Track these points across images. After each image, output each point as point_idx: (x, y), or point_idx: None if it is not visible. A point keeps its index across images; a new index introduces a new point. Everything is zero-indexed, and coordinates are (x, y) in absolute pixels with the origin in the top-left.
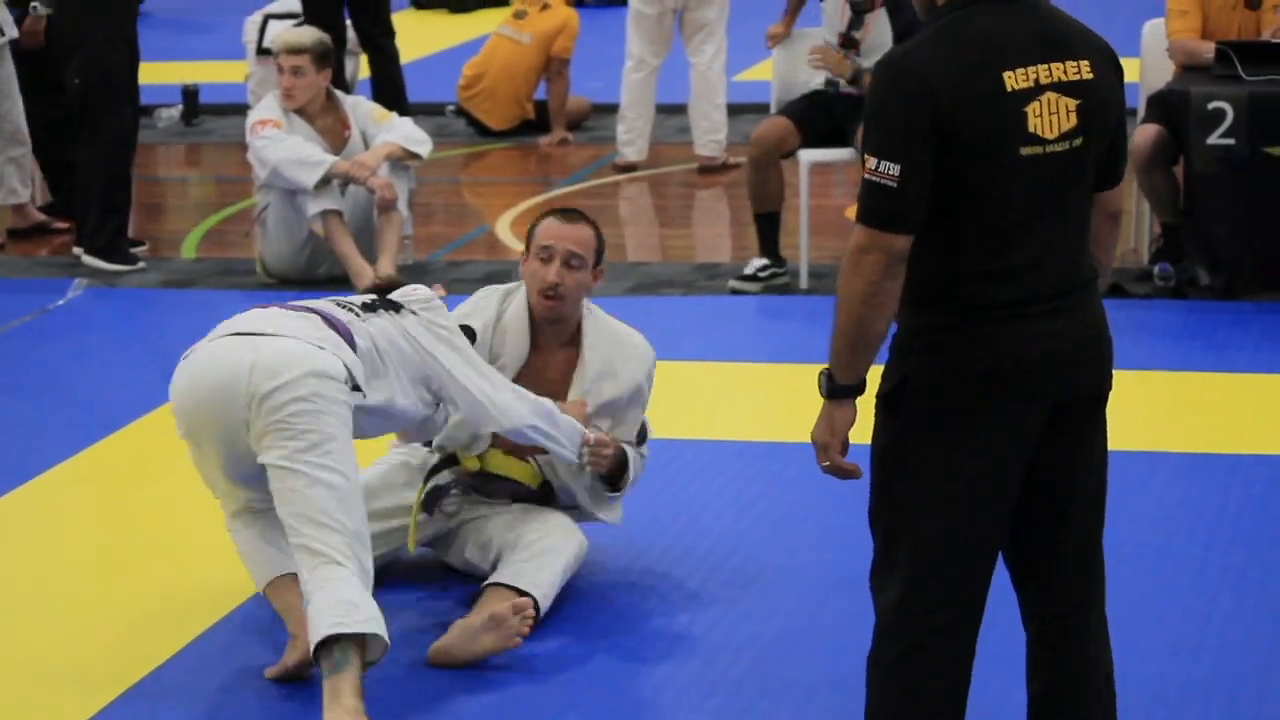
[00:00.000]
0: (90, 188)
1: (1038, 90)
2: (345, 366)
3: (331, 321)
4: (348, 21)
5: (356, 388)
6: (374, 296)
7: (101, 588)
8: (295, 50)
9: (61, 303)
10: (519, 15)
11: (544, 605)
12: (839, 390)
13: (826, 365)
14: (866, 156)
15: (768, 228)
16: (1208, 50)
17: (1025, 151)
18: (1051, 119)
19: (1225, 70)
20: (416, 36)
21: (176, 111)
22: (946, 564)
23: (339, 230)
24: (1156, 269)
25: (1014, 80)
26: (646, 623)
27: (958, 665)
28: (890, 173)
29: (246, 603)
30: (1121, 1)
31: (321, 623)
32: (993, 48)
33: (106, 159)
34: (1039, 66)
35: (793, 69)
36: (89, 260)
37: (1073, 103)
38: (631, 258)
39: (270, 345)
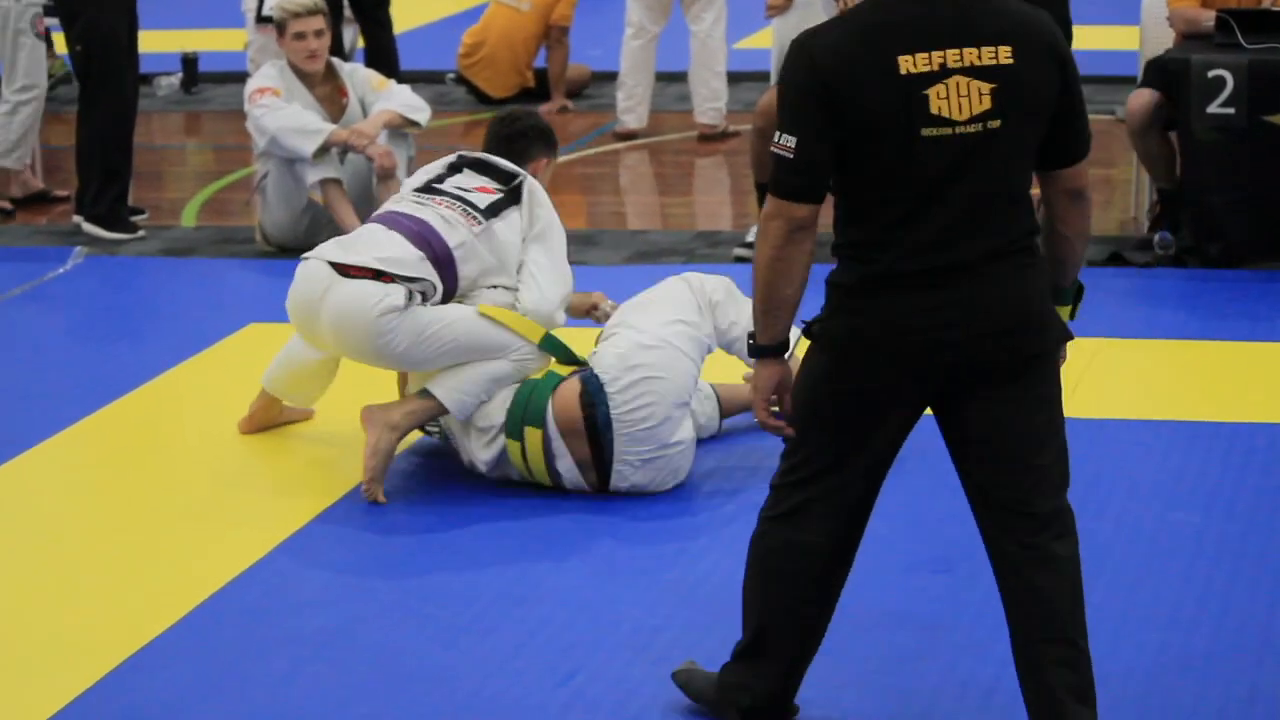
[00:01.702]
0: (90, 156)
1: (943, 74)
2: (406, 294)
3: (428, 239)
4: None
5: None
6: (502, 191)
7: (100, 557)
8: (314, 11)
9: (61, 271)
10: None
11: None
12: (756, 350)
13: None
14: (776, 130)
15: None
16: (1208, 18)
17: (928, 132)
18: (961, 101)
19: (1226, 38)
20: (416, 4)
21: (176, 79)
22: (812, 468)
23: (338, 198)
24: (1157, 237)
25: (911, 64)
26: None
27: (836, 543)
28: (788, 145)
29: (245, 573)
30: None
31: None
32: (892, 32)
33: (107, 127)
34: (946, 51)
35: (793, 36)
36: (89, 228)
37: (986, 86)
38: (632, 226)
39: (338, 293)
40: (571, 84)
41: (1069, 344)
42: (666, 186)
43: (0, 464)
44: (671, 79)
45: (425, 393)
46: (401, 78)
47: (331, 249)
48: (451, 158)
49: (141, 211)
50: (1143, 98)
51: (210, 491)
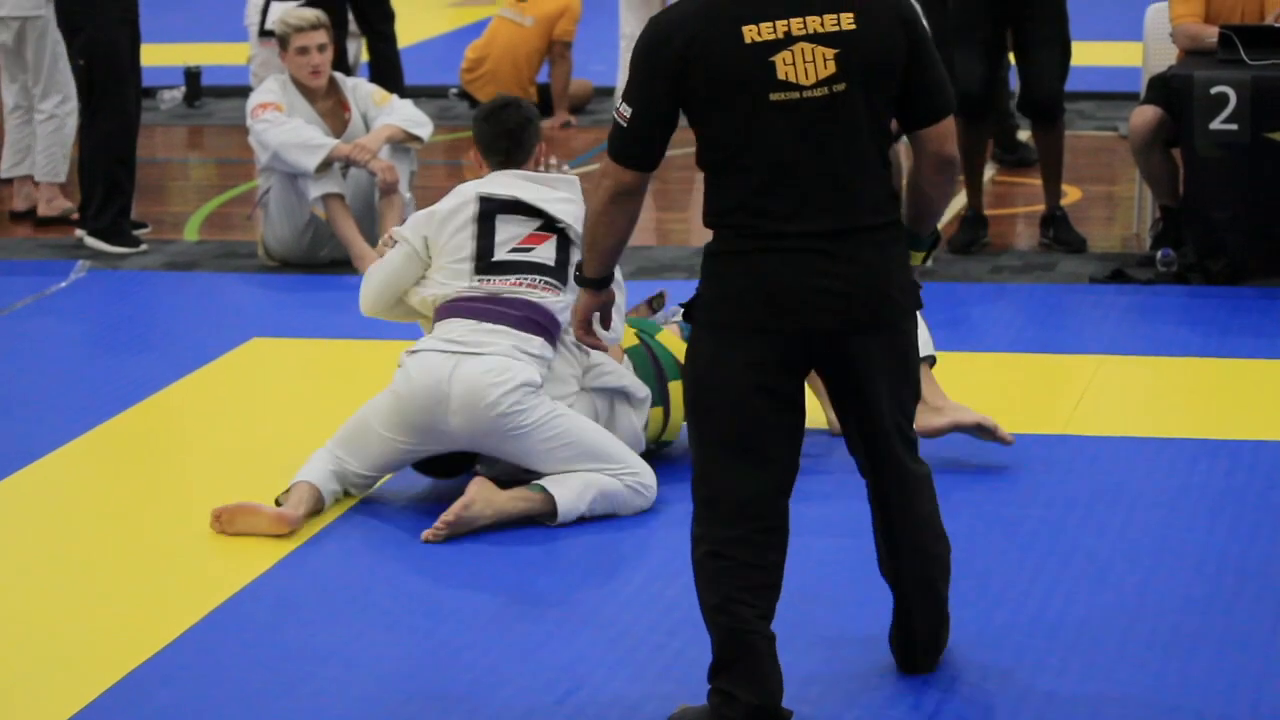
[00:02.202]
0: (93, 170)
1: (788, 41)
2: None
3: (537, 321)
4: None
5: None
6: (551, 230)
7: (101, 572)
8: (317, 25)
9: (64, 285)
10: None
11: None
12: (579, 280)
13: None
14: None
15: None
16: (1211, 34)
17: (775, 97)
18: (807, 66)
19: (1229, 55)
20: (419, 19)
21: (179, 93)
22: (717, 461)
23: (341, 213)
24: (1159, 254)
25: (754, 33)
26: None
27: (744, 544)
28: (624, 113)
29: (246, 588)
30: None
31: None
32: (736, 4)
33: (109, 141)
34: (790, 20)
35: None
36: (91, 242)
37: (830, 52)
38: (632, 241)
39: (471, 367)
40: (574, 99)
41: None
42: (665, 202)
43: (4, 477)
44: None
45: (539, 488)
46: (405, 92)
47: (443, 343)
48: (474, 206)
49: (144, 225)
50: (1146, 115)
51: (212, 507)
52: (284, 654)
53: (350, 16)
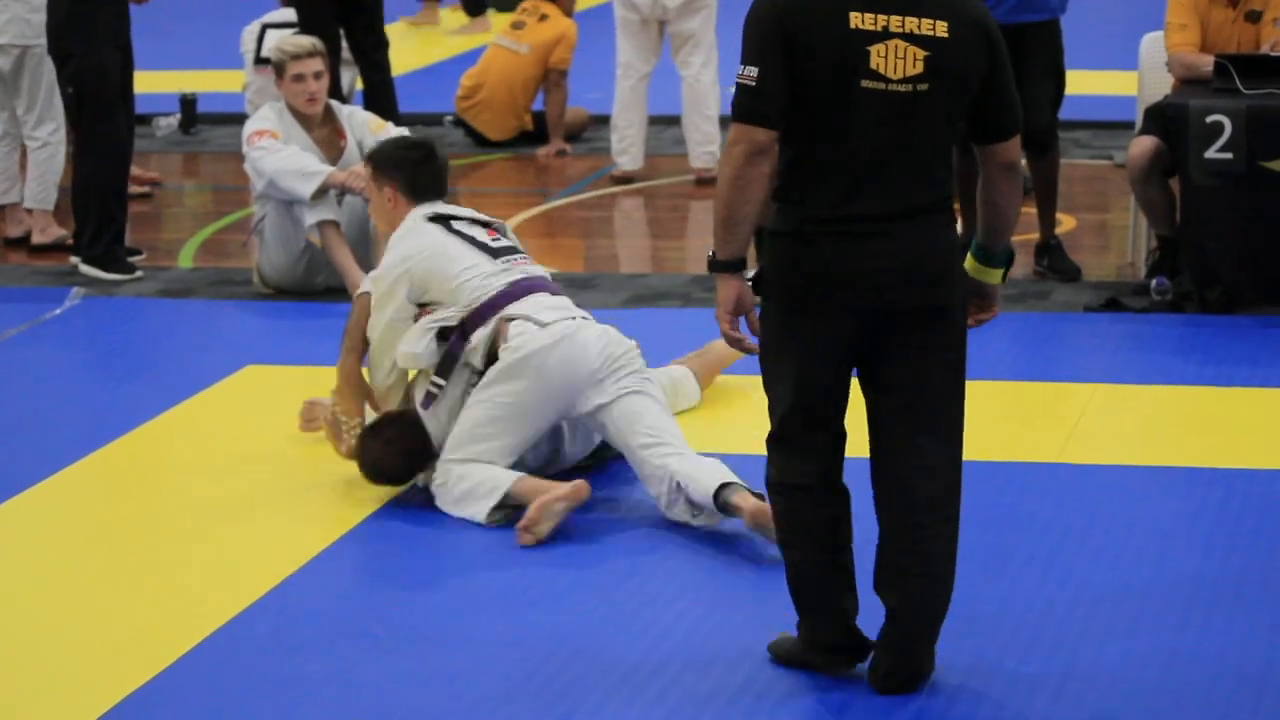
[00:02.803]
0: (86, 197)
1: (885, 35)
2: None
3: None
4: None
5: None
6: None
7: (98, 597)
8: (312, 53)
9: (58, 312)
10: (517, 26)
11: None
12: (717, 265)
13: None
14: (739, 66)
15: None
16: (1206, 63)
17: (865, 84)
18: (897, 62)
19: (1224, 84)
20: (414, 47)
21: (174, 120)
22: (792, 417)
23: (336, 240)
24: (1154, 283)
25: (859, 20)
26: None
27: (819, 507)
28: (750, 74)
29: (241, 614)
30: (1120, 14)
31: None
32: None
33: (102, 168)
34: (890, 15)
35: None
36: (86, 269)
37: (921, 53)
38: (627, 269)
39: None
40: (570, 127)
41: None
42: (661, 230)
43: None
44: (668, 123)
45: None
46: (400, 120)
47: (540, 317)
48: (434, 225)
49: (139, 252)
50: (1143, 145)
51: (206, 534)
52: (280, 680)
53: (345, 45)
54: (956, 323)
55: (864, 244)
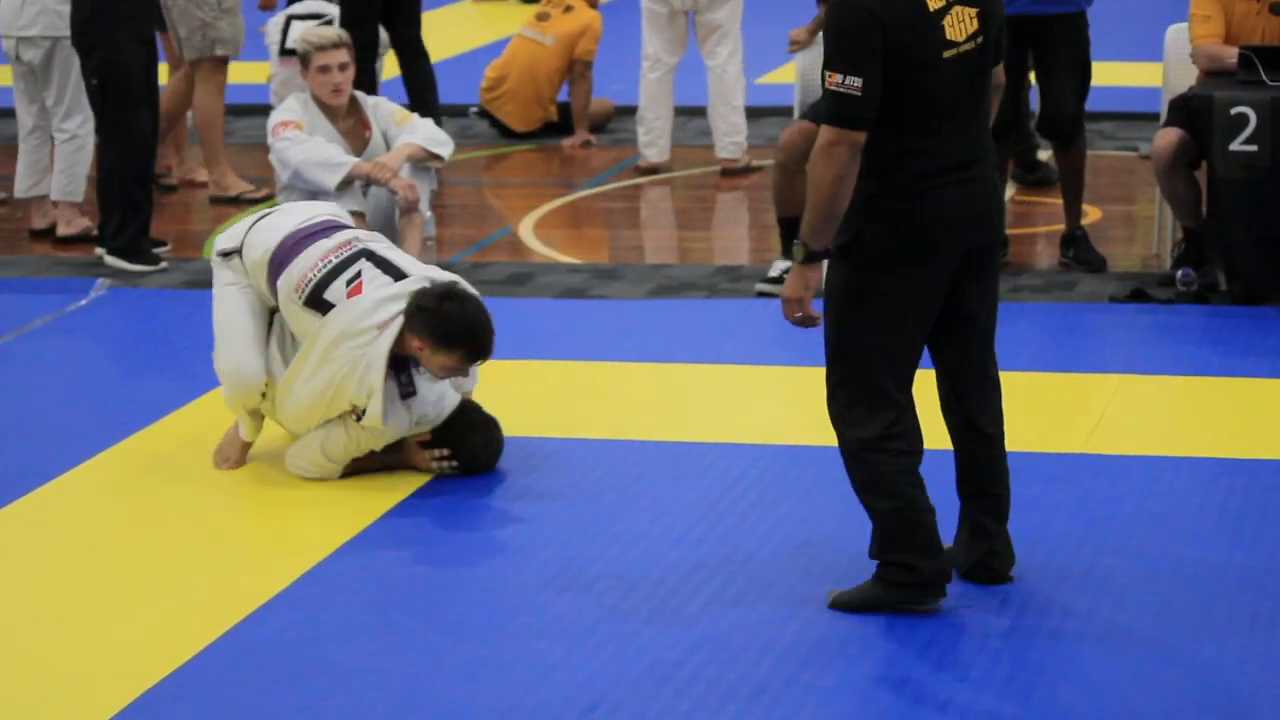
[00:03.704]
0: (110, 190)
1: (948, 7)
2: None
3: None
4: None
5: None
6: None
7: (121, 590)
8: (338, 44)
9: (83, 303)
10: (541, 17)
11: None
12: (814, 255)
13: (799, 238)
14: (829, 73)
15: (793, 231)
16: (1231, 55)
17: (946, 55)
18: (960, 26)
19: (1249, 75)
20: (440, 38)
21: None
22: (885, 374)
23: None
24: (1179, 274)
25: (933, 2)
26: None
27: (907, 440)
28: (854, 85)
29: (265, 605)
30: (1144, 6)
31: None
32: None
33: (126, 160)
34: None
35: (816, 72)
36: (111, 261)
37: (973, 11)
38: (650, 260)
39: None
40: (594, 118)
41: None
42: (686, 221)
43: (23, 495)
44: (693, 114)
45: None
46: (440, 111)
47: None
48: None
49: (164, 243)
50: (1168, 137)
51: (232, 525)
52: (300, 672)
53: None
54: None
55: (959, 191)
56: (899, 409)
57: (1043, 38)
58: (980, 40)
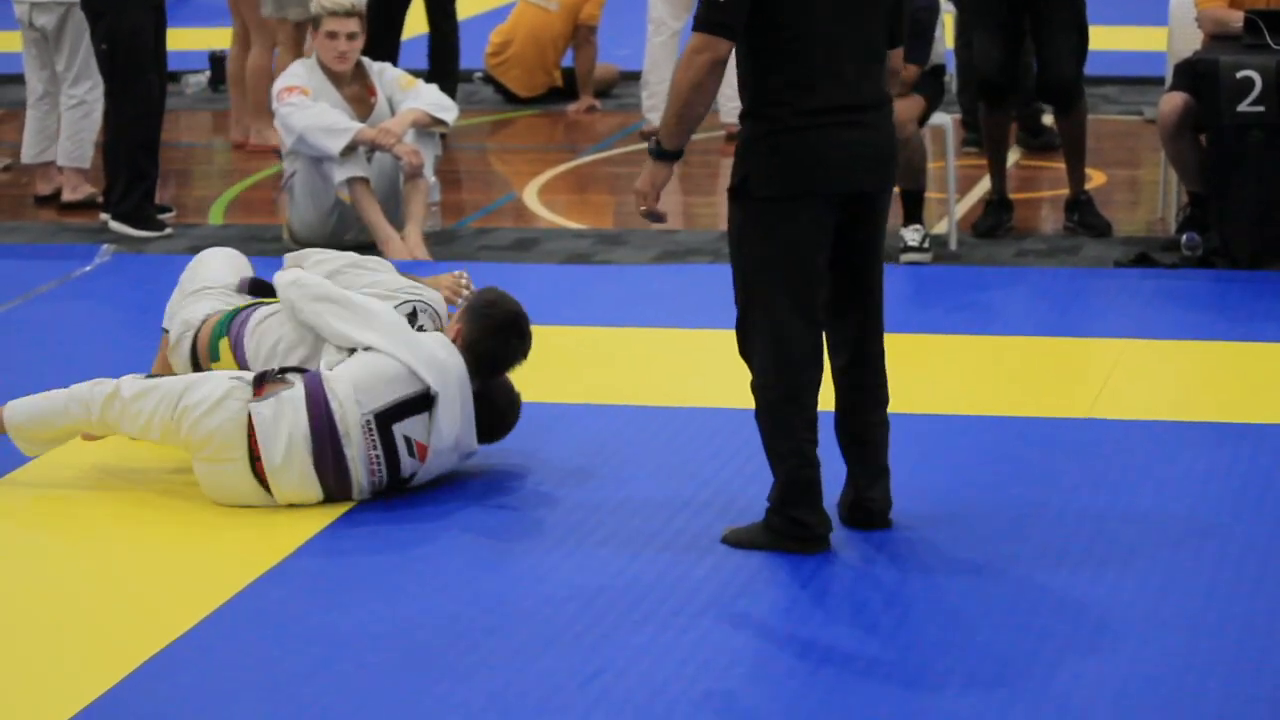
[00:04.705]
0: (117, 155)
1: None
2: None
3: None
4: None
5: None
6: None
7: (124, 556)
8: (351, 13)
9: (89, 269)
10: None
11: None
12: (664, 154)
13: (655, 133)
14: None
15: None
16: (1236, 19)
17: None
18: None
19: (1254, 39)
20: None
21: (204, 78)
22: (789, 316)
23: (365, 197)
24: (1184, 238)
25: None
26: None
27: (813, 389)
28: None
29: (270, 572)
30: None
31: None
32: None
33: (134, 125)
34: None
35: None
36: (116, 226)
37: None
38: (654, 226)
39: None
40: (599, 83)
41: None
42: (692, 186)
43: (24, 463)
44: None
45: None
46: (457, 75)
47: None
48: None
49: (169, 209)
50: (1174, 101)
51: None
52: (306, 639)
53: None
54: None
55: (846, 133)
56: (806, 358)
57: (1038, 1)
58: None
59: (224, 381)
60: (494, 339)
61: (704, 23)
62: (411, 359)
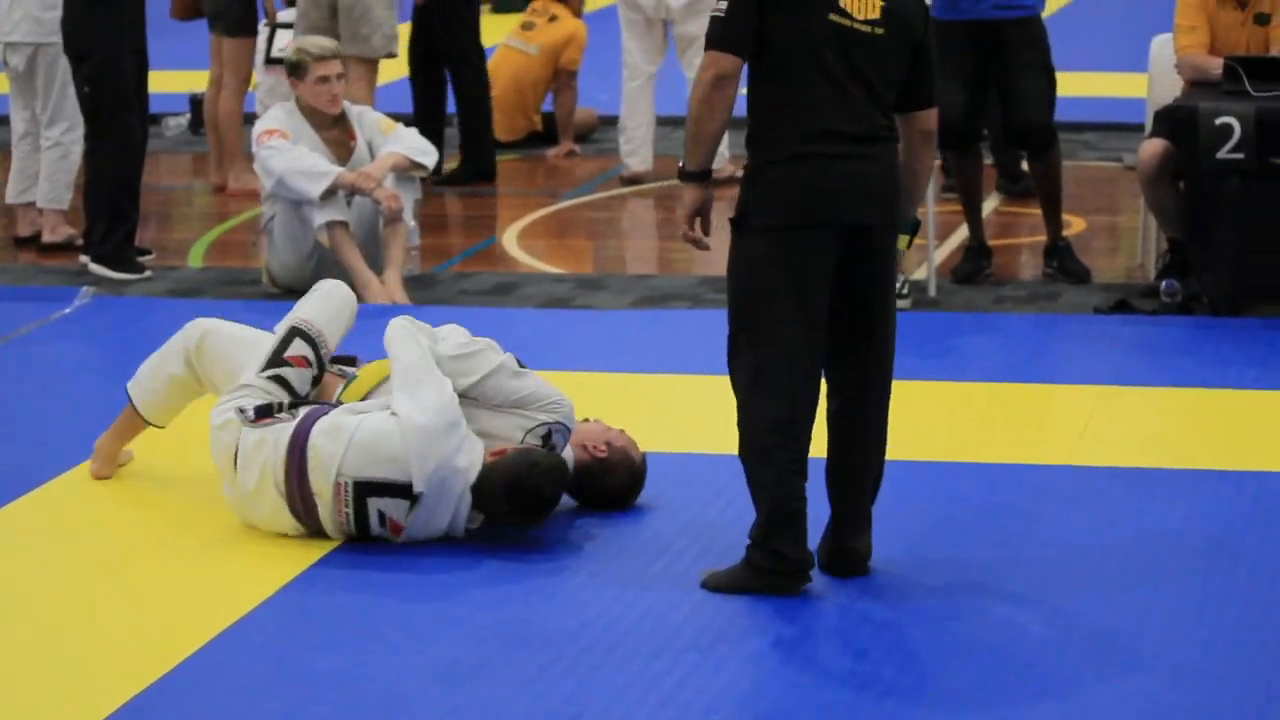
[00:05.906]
0: (98, 197)
1: None
2: None
3: None
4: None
5: None
6: None
7: (104, 599)
8: (335, 55)
9: (68, 311)
10: (526, 27)
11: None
12: (686, 175)
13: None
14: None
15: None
16: (1216, 66)
17: (832, 18)
18: (860, 4)
19: (1233, 86)
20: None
21: (184, 120)
22: (782, 350)
23: (345, 241)
24: (1163, 285)
25: None
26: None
27: (804, 423)
28: (721, 7)
29: (250, 614)
30: (1129, 17)
31: None
32: None
33: (115, 168)
34: None
35: None
36: (96, 269)
37: (879, 2)
38: (634, 270)
39: None
40: (579, 128)
41: None
42: (670, 231)
43: (7, 503)
44: (677, 124)
45: None
46: (408, 120)
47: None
48: None
49: (148, 252)
50: (1154, 148)
51: (215, 533)
52: (285, 680)
53: None
54: (893, 244)
55: (846, 165)
56: (796, 394)
57: (1006, 43)
58: (879, 31)
59: (226, 411)
60: (504, 492)
61: (710, 39)
62: (418, 462)
